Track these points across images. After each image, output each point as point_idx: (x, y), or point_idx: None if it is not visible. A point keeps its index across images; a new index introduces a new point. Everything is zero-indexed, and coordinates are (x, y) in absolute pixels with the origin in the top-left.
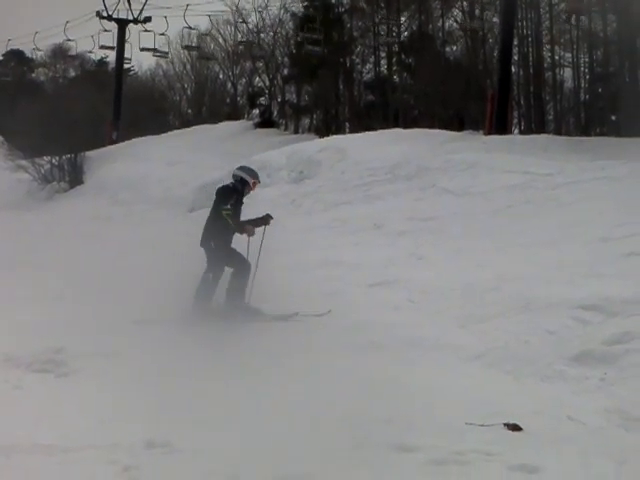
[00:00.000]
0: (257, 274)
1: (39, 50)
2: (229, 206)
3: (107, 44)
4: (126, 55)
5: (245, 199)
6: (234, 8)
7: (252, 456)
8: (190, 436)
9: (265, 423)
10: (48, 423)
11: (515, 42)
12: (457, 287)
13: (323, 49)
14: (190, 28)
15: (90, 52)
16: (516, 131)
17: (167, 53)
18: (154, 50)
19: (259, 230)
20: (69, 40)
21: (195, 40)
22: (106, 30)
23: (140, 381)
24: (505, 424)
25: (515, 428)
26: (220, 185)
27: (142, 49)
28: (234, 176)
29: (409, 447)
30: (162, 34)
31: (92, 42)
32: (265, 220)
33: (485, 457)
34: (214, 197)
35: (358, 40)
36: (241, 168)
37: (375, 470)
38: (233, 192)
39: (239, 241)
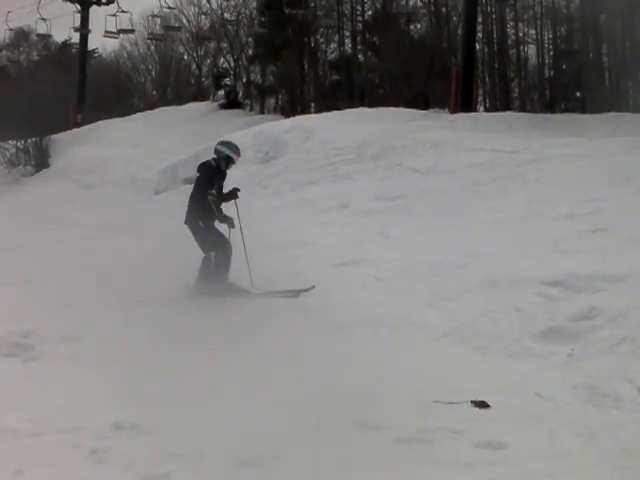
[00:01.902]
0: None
1: (11, 30)
2: (214, 191)
3: (67, 27)
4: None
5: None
6: None
7: (219, 437)
8: (157, 418)
9: (232, 403)
10: (15, 407)
11: (479, 19)
12: (424, 265)
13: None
14: (170, 8)
15: (46, 35)
16: (481, 109)
17: (133, 30)
18: (121, 32)
19: (232, 205)
20: (43, 19)
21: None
22: (78, 12)
23: (108, 364)
24: (472, 401)
25: (482, 405)
26: (202, 162)
27: (120, 31)
28: (218, 151)
29: (375, 425)
30: (114, 14)
31: (50, 26)
32: (233, 194)
33: (452, 435)
34: (197, 174)
35: (322, 19)
36: (225, 144)
37: (341, 449)
38: (217, 171)
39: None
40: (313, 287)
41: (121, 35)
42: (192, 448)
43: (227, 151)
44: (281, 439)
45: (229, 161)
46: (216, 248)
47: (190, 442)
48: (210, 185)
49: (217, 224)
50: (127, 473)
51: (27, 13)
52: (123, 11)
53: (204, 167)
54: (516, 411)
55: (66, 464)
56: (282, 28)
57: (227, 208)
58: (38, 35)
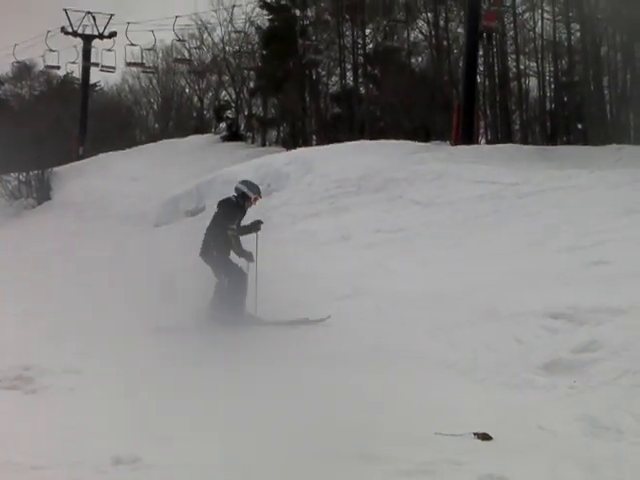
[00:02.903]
0: (258, 282)
1: (18, 62)
2: (234, 226)
3: (71, 60)
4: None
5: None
6: (199, 22)
7: (219, 469)
8: (158, 451)
9: (231, 435)
10: (16, 441)
11: (480, 52)
12: (426, 297)
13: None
14: (180, 40)
15: (54, 67)
16: (483, 141)
17: (114, 68)
18: (130, 65)
19: (252, 237)
20: (51, 50)
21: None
22: (52, 50)
23: (109, 396)
24: (474, 433)
25: (484, 437)
26: (223, 198)
27: (129, 64)
28: (237, 189)
29: (376, 457)
30: (107, 48)
31: (57, 58)
32: (256, 226)
33: (454, 467)
34: (216, 209)
35: (323, 52)
36: (244, 182)
37: None
38: (237, 208)
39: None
40: (329, 317)
41: (129, 68)
42: None
43: (244, 188)
44: (282, 471)
45: (245, 198)
46: (229, 275)
47: (190, 475)
48: (231, 221)
49: (234, 257)
50: None
51: (30, 47)
52: (132, 44)
53: (225, 203)
54: (518, 443)
55: None
56: (283, 61)
57: (247, 240)
58: (47, 66)
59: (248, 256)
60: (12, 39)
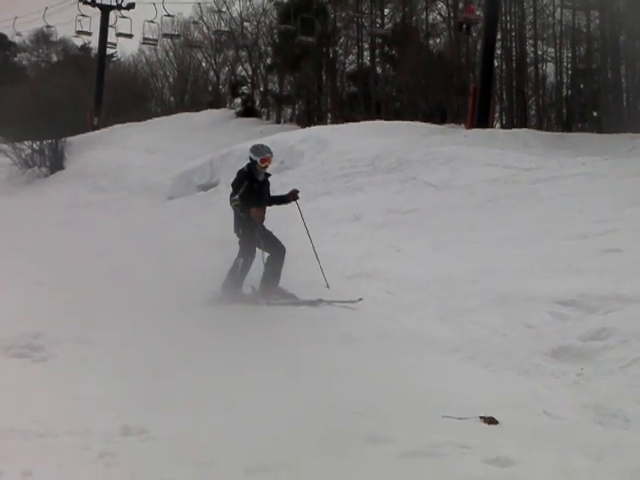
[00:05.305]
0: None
1: (19, 35)
2: (237, 196)
3: (86, 29)
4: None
5: (270, 178)
6: None
7: (226, 445)
8: (166, 423)
9: (240, 412)
10: (24, 408)
11: (498, 36)
12: (436, 279)
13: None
14: (219, 12)
15: (78, 35)
16: (498, 125)
17: (156, 41)
18: (165, 36)
19: (293, 206)
20: (48, 26)
21: (178, 28)
22: (83, 15)
23: (119, 367)
24: (481, 417)
25: (491, 421)
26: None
27: (164, 35)
28: (248, 157)
29: (383, 439)
30: (151, 21)
31: (74, 27)
32: (293, 196)
33: (460, 450)
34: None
35: (342, 31)
36: (251, 148)
37: (348, 461)
38: (244, 177)
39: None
40: (360, 300)
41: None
42: (201, 455)
43: (250, 154)
44: (290, 449)
45: (255, 164)
46: (268, 250)
47: (199, 449)
48: (235, 191)
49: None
50: (135, 477)
51: (48, 15)
52: (169, 15)
53: (236, 174)
54: (525, 429)
55: (74, 466)
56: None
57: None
58: (78, 32)
59: (255, 214)
60: (29, 5)
